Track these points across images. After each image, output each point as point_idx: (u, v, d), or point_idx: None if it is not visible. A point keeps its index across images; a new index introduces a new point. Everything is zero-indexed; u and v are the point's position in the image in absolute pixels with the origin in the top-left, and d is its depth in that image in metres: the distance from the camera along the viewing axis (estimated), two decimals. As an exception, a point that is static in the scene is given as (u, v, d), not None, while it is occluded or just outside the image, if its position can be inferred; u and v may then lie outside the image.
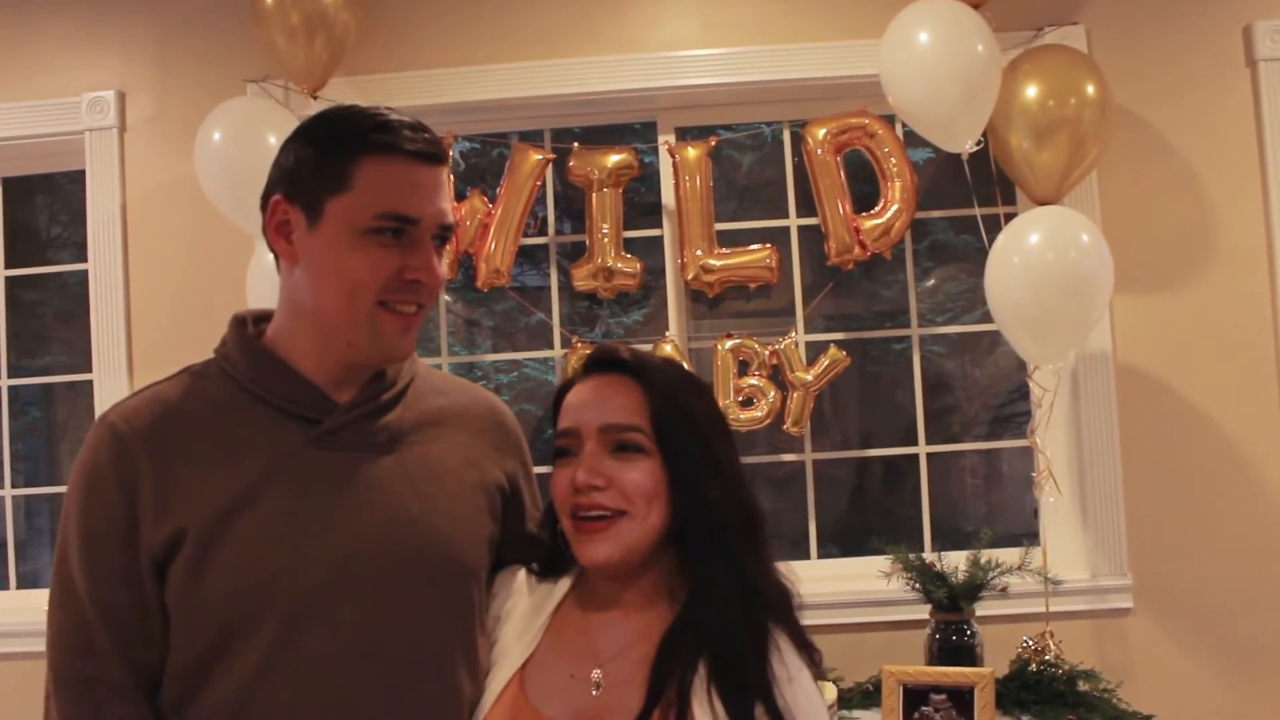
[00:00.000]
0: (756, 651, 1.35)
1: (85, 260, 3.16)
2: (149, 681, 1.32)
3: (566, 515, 1.41)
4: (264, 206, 1.41)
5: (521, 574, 1.51)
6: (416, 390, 1.48)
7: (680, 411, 1.42)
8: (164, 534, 1.30)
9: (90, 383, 3.12)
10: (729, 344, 2.94)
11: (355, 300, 1.35)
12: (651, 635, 1.37)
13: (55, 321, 3.41)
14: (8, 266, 3.35)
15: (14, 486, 3.31)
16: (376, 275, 1.35)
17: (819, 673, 1.43)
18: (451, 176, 2.99)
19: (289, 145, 1.41)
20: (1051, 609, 2.78)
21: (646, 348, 3.00)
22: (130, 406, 1.39)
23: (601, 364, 1.47)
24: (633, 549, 1.38)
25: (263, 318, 1.47)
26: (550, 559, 1.49)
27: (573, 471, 1.39)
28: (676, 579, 1.41)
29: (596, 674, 1.38)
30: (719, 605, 1.36)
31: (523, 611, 1.47)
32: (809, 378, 2.92)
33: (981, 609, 2.68)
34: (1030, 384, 2.86)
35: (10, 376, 3.34)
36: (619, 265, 2.97)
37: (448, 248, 1.45)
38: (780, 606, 1.42)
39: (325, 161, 1.35)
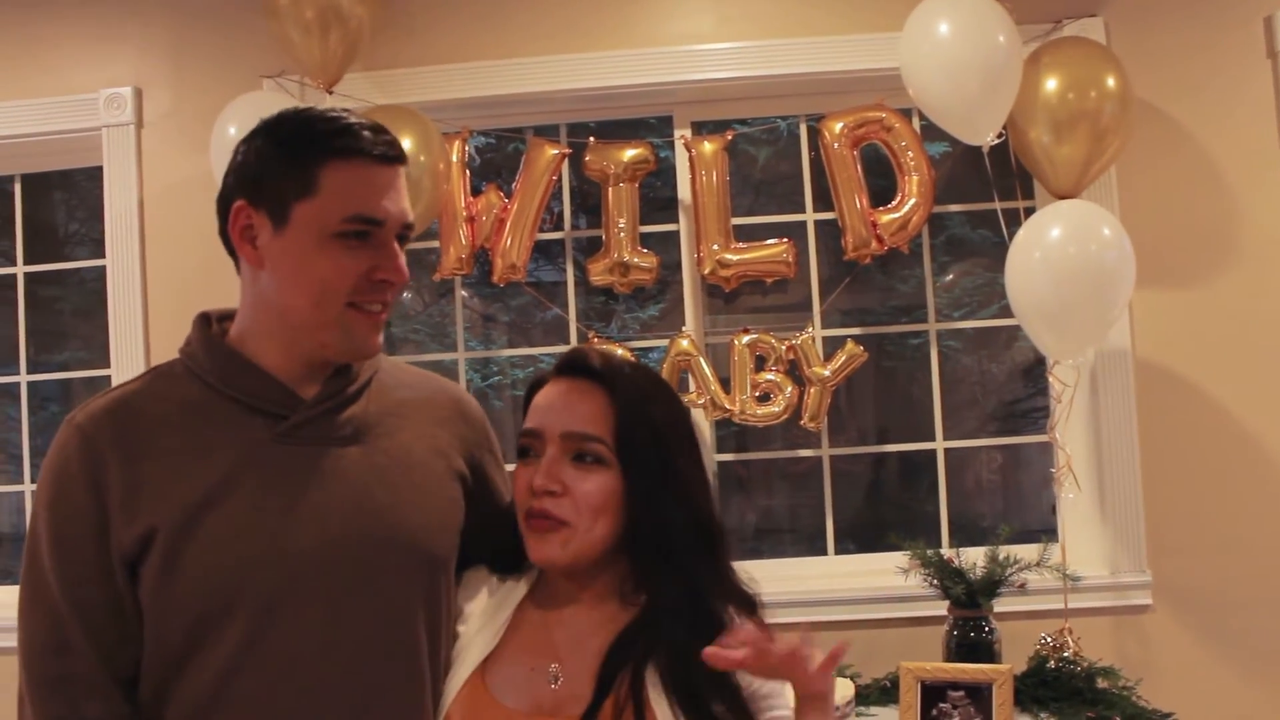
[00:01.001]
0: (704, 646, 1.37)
1: (102, 256, 3.18)
2: (125, 677, 1.34)
3: (522, 515, 1.45)
4: (224, 210, 1.41)
5: (484, 571, 1.55)
6: (380, 383, 1.50)
7: (645, 425, 1.44)
8: (135, 533, 1.32)
9: (108, 378, 3.13)
10: (746, 339, 2.93)
11: (325, 303, 1.37)
12: (606, 631, 1.42)
13: (73, 317, 3.43)
14: (26, 263, 3.36)
15: (32, 482, 3.33)
16: (345, 278, 1.37)
17: None
18: (467, 171, 2.99)
19: (247, 148, 1.41)
20: (1070, 606, 2.77)
21: (663, 343, 3.00)
22: (96, 407, 1.39)
23: (572, 368, 1.49)
24: (578, 556, 1.43)
25: (227, 316, 1.49)
26: (512, 556, 1.52)
27: (533, 471, 1.43)
28: (630, 580, 1.46)
29: (554, 668, 1.42)
30: (669, 611, 1.40)
31: (485, 608, 1.50)
32: (826, 373, 2.91)
33: (1000, 605, 2.67)
34: (1050, 379, 2.84)
35: (29, 372, 3.35)
36: (635, 260, 2.96)
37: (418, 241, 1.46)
38: (736, 599, 1.45)
39: (289, 166, 1.36)
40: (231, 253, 1.43)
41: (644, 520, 1.42)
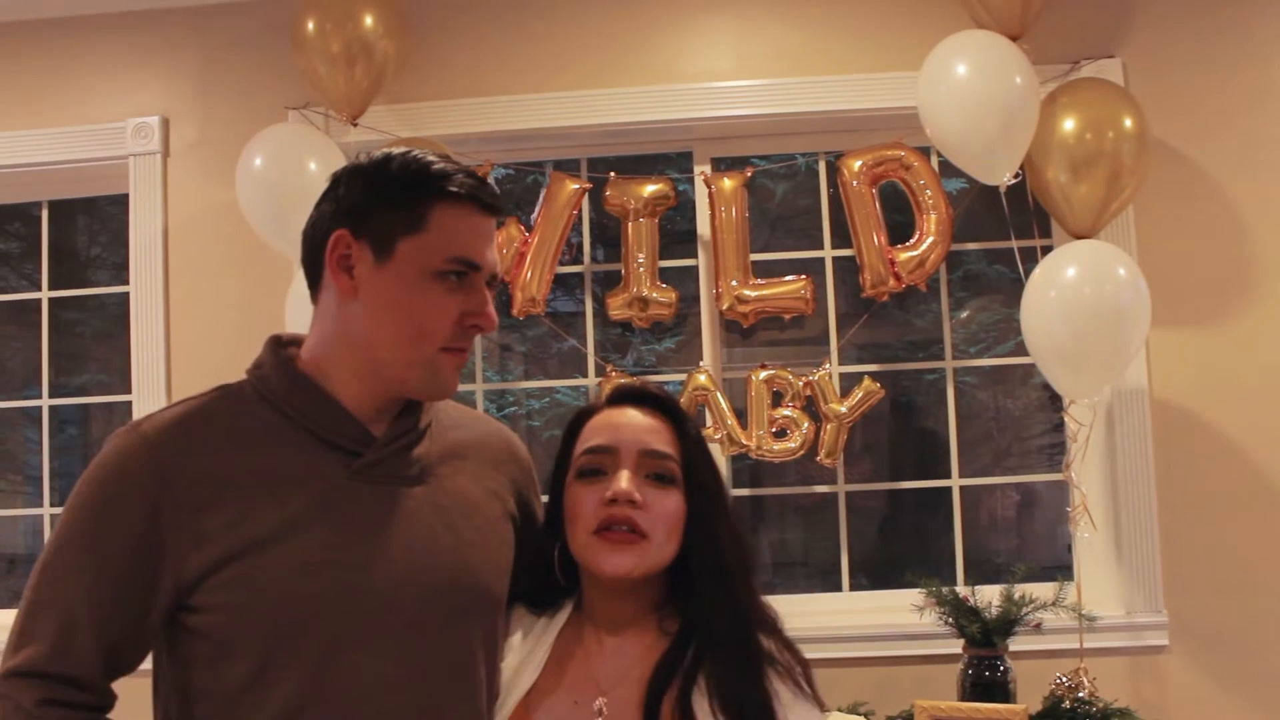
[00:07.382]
0: (751, 668, 1.42)
1: (124, 282, 3.21)
2: (113, 678, 1.34)
3: (590, 531, 1.45)
4: (321, 238, 1.42)
5: (519, 608, 1.56)
6: (439, 423, 1.51)
7: (703, 452, 1.52)
8: (200, 561, 1.30)
9: (129, 403, 3.15)
10: (763, 374, 2.94)
11: (419, 343, 1.39)
12: (648, 659, 1.44)
13: (93, 341, 3.46)
14: (49, 287, 3.39)
15: (52, 505, 3.34)
16: (443, 319, 1.39)
17: (812, 686, 1.48)
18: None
19: (353, 181, 1.43)
20: (1086, 645, 2.75)
21: (680, 377, 3.01)
22: (166, 418, 1.37)
23: (632, 397, 1.54)
24: (648, 571, 1.45)
25: (292, 341, 1.49)
26: (545, 591, 1.54)
27: (605, 487, 1.45)
28: (666, 607, 1.49)
29: (599, 702, 1.43)
30: (714, 636, 1.43)
31: (523, 643, 1.52)
32: (843, 409, 2.92)
33: (1015, 644, 2.66)
34: (1065, 418, 2.84)
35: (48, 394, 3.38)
36: (654, 295, 2.98)
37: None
38: (770, 628, 1.49)
39: (400, 202, 1.39)
40: (311, 281, 1.45)
41: (702, 542, 1.47)
